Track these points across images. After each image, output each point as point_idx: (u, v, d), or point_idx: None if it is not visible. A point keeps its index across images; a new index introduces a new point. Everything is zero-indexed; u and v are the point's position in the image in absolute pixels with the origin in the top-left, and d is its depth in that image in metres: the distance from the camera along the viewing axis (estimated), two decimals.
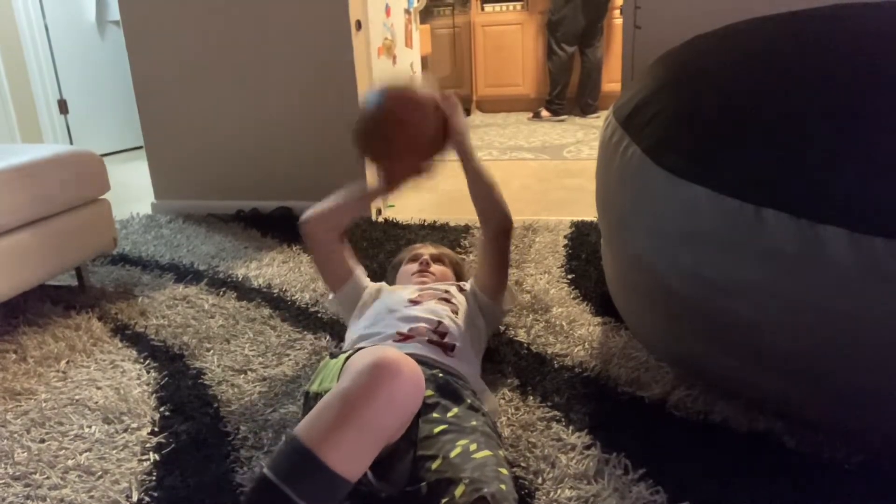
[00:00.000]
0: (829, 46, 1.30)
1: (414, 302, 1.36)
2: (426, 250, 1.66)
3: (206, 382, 1.51)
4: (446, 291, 1.43)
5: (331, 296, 1.51)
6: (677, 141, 1.30)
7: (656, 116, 1.38)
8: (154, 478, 1.19)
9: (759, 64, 1.37)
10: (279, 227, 2.63)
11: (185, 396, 1.45)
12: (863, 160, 1.04)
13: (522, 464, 1.17)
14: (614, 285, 1.57)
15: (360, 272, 1.51)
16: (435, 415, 1.05)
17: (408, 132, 1.36)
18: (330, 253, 1.47)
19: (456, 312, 1.37)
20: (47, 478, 1.20)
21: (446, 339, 1.26)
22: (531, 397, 1.38)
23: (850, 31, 1.33)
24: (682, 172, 1.22)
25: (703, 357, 1.28)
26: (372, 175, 1.47)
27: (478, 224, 2.47)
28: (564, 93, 4.90)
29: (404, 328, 1.27)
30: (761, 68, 1.36)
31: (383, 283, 1.53)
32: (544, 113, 4.89)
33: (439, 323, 1.29)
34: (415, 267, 1.60)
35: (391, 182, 1.41)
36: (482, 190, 1.46)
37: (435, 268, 1.60)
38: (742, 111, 1.24)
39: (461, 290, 1.49)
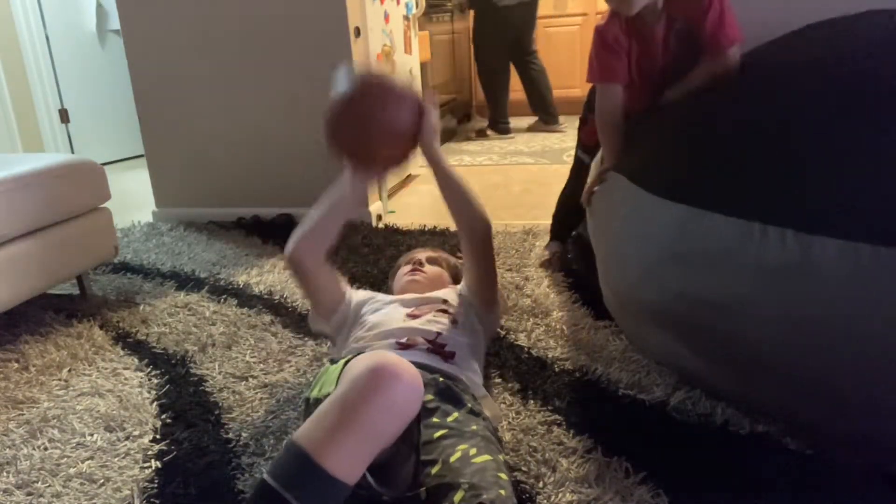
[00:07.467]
0: (811, 61, 1.32)
1: (412, 316, 1.36)
2: (424, 254, 1.66)
3: (207, 389, 1.51)
4: (444, 301, 1.42)
5: (318, 320, 1.46)
6: (661, 164, 1.32)
7: (640, 146, 1.42)
8: (156, 485, 1.19)
9: (740, 80, 1.40)
10: (280, 234, 2.63)
11: (186, 404, 1.45)
12: (848, 170, 1.05)
13: (523, 468, 1.17)
14: (613, 309, 1.57)
15: (350, 292, 1.47)
16: (435, 419, 1.05)
17: (385, 123, 1.26)
18: (321, 281, 1.39)
19: (455, 322, 1.36)
20: (49, 486, 1.20)
21: (445, 349, 1.27)
22: (532, 401, 1.38)
23: (830, 47, 1.36)
24: (667, 193, 1.23)
25: (705, 373, 1.29)
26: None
27: None
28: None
29: (403, 339, 1.27)
30: (743, 85, 1.38)
31: (372, 295, 1.49)
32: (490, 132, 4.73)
33: (438, 334, 1.29)
34: (408, 268, 1.60)
35: (363, 179, 1.32)
36: (456, 194, 1.40)
37: (428, 268, 1.59)
38: (722, 130, 1.26)
39: (459, 294, 1.48)
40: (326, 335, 1.53)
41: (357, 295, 1.48)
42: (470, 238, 1.41)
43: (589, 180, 1.66)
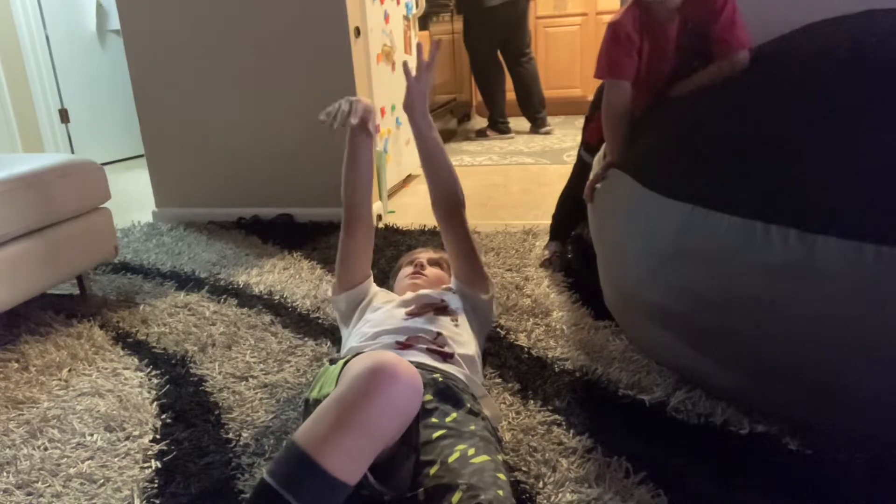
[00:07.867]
0: (813, 59, 1.33)
1: (412, 315, 1.36)
2: (425, 255, 1.66)
3: (207, 389, 1.51)
4: (442, 301, 1.42)
5: (337, 297, 1.51)
6: (664, 162, 1.32)
7: (643, 144, 1.41)
8: (156, 485, 1.19)
9: (742, 79, 1.39)
10: (280, 234, 2.64)
11: (186, 404, 1.45)
12: (851, 169, 1.05)
13: (523, 468, 1.17)
14: (614, 307, 1.57)
15: (372, 280, 1.53)
16: (434, 419, 1.05)
17: None
18: (361, 235, 1.48)
19: (455, 321, 1.37)
20: (49, 486, 1.20)
21: (445, 349, 1.27)
22: (532, 401, 1.38)
23: (831, 46, 1.36)
24: (670, 192, 1.23)
25: (705, 372, 1.28)
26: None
27: (477, 227, 2.48)
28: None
29: (402, 338, 1.27)
30: (745, 83, 1.38)
31: (380, 291, 1.53)
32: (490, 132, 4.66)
33: (438, 335, 1.30)
34: (410, 269, 1.60)
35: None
36: (435, 163, 1.50)
37: (429, 270, 1.60)
38: (725, 129, 1.26)
39: (451, 289, 1.49)
40: (337, 315, 1.55)
41: (375, 289, 1.53)
42: (444, 207, 1.49)
43: (591, 175, 1.66)
